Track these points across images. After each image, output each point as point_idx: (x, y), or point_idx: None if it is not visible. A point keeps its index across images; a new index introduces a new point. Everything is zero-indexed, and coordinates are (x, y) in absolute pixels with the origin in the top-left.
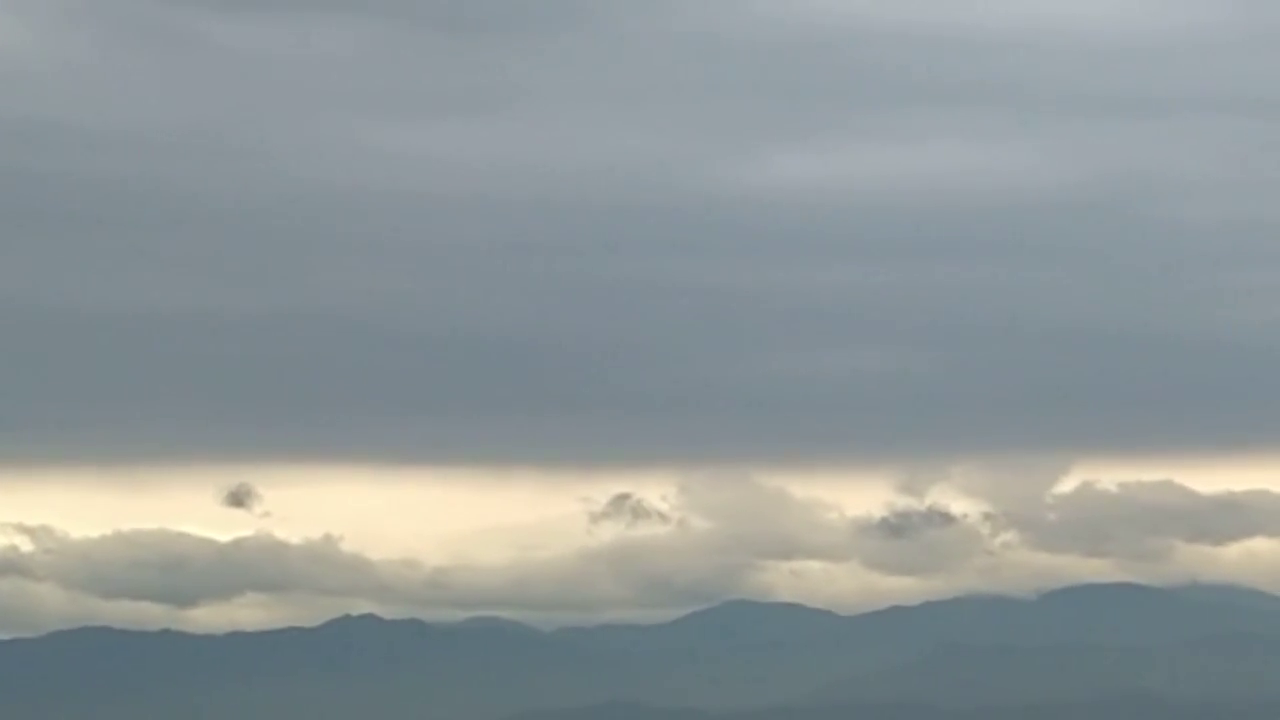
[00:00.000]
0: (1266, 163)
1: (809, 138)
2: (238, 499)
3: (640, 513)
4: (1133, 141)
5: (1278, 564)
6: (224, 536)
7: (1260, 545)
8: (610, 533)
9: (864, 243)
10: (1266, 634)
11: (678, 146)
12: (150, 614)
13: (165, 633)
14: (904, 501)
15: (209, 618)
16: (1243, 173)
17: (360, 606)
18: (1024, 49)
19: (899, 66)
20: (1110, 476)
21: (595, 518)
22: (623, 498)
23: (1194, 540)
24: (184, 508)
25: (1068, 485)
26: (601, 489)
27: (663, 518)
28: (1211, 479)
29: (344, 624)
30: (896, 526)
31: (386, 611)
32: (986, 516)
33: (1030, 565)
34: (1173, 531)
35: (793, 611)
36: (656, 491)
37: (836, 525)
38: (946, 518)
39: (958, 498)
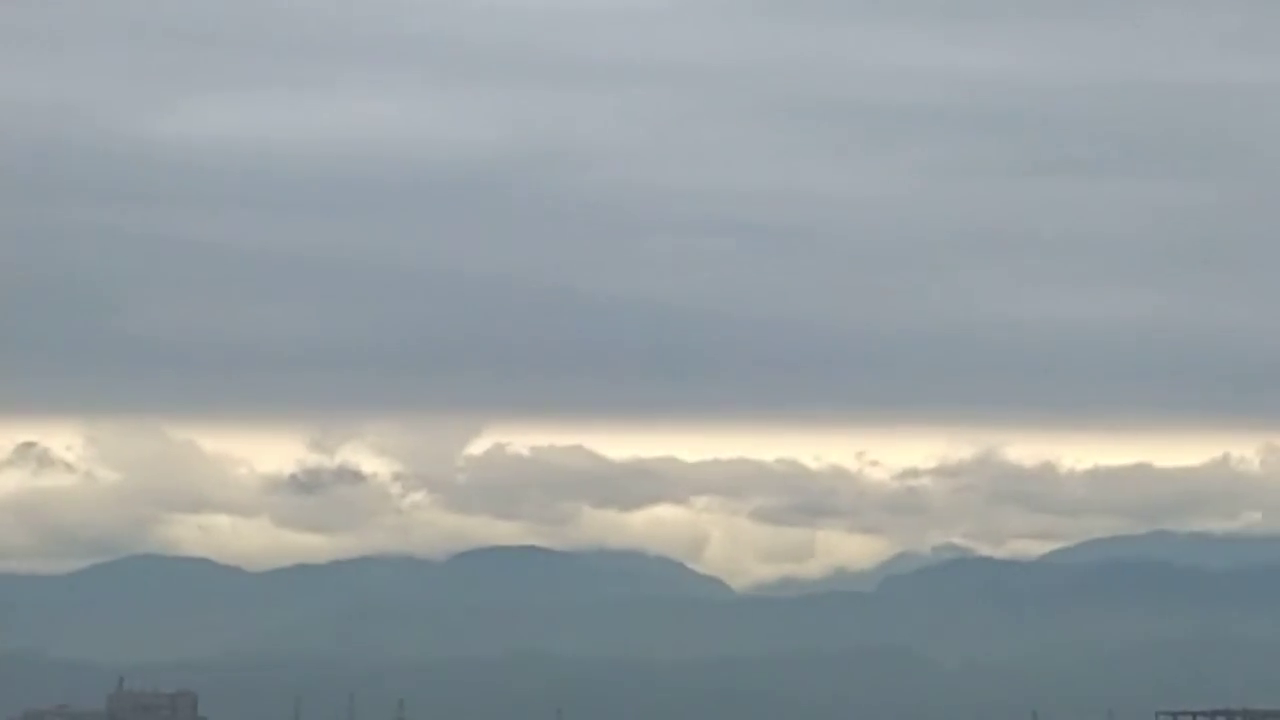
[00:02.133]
0: (689, 130)
1: (228, 87)
2: None
3: (45, 462)
4: (552, 106)
5: (683, 530)
6: None
7: (666, 512)
8: (13, 482)
9: (274, 194)
10: (670, 598)
11: (98, 92)
12: None
13: None
14: (315, 459)
15: None
16: (663, 139)
17: None
18: (446, 9)
19: (322, 19)
20: (522, 440)
21: None
22: (28, 446)
23: (602, 505)
24: None
25: (479, 447)
26: (6, 436)
27: (69, 468)
28: (621, 445)
29: None
30: (306, 484)
31: None
32: (397, 476)
33: (440, 526)
34: (582, 496)
35: (200, 567)
36: (63, 441)
37: (246, 481)
38: (357, 476)
39: (369, 456)
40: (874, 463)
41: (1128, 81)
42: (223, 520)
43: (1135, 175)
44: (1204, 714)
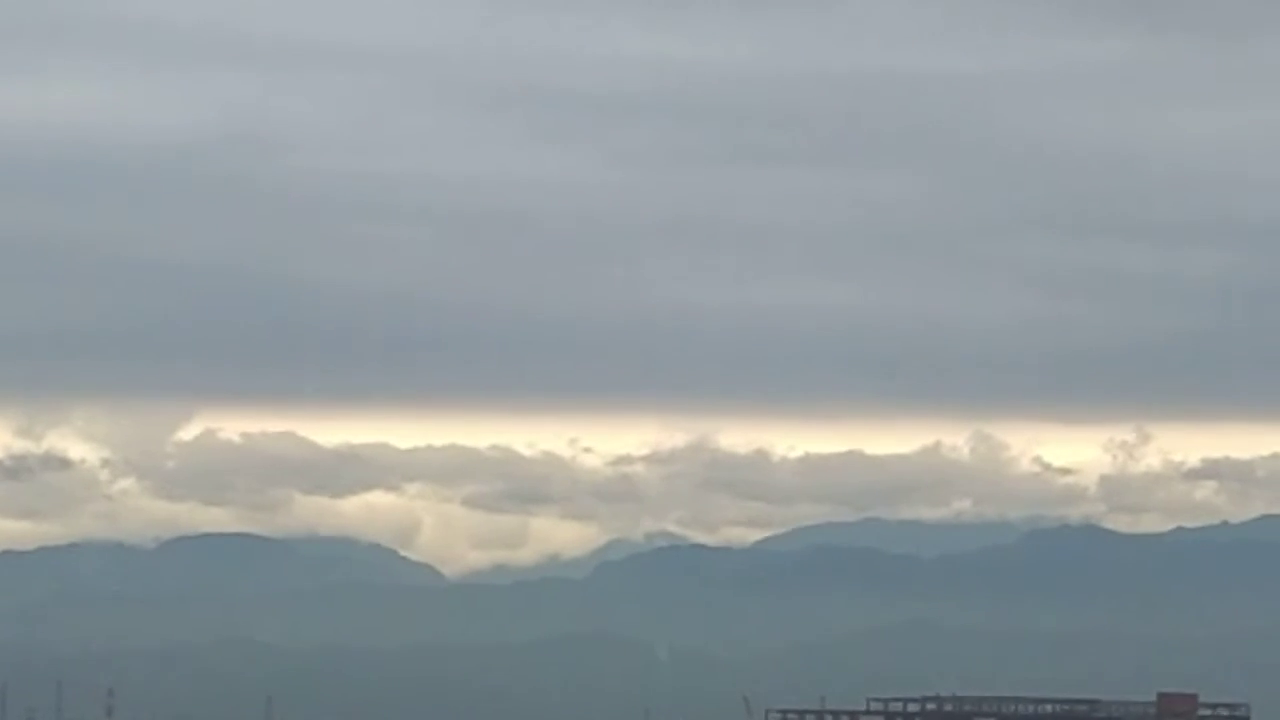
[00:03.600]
0: (393, 115)
1: None
2: None
3: None
4: (254, 90)
5: (394, 517)
6: None
7: (378, 498)
8: None
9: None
10: (381, 583)
11: None
12: None
13: None
14: (21, 444)
15: None
16: (365, 126)
17: None
18: None
19: (25, 2)
20: (233, 426)
21: None
22: None
23: (313, 492)
24: None
25: (189, 433)
26: None
27: None
28: (333, 431)
29: None
30: (12, 469)
31: None
32: (105, 462)
33: (149, 513)
34: (293, 482)
35: None
36: None
37: None
38: (64, 462)
39: (77, 442)
40: (587, 449)
41: (828, 72)
42: None
43: (845, 164)
44: (914, 700)
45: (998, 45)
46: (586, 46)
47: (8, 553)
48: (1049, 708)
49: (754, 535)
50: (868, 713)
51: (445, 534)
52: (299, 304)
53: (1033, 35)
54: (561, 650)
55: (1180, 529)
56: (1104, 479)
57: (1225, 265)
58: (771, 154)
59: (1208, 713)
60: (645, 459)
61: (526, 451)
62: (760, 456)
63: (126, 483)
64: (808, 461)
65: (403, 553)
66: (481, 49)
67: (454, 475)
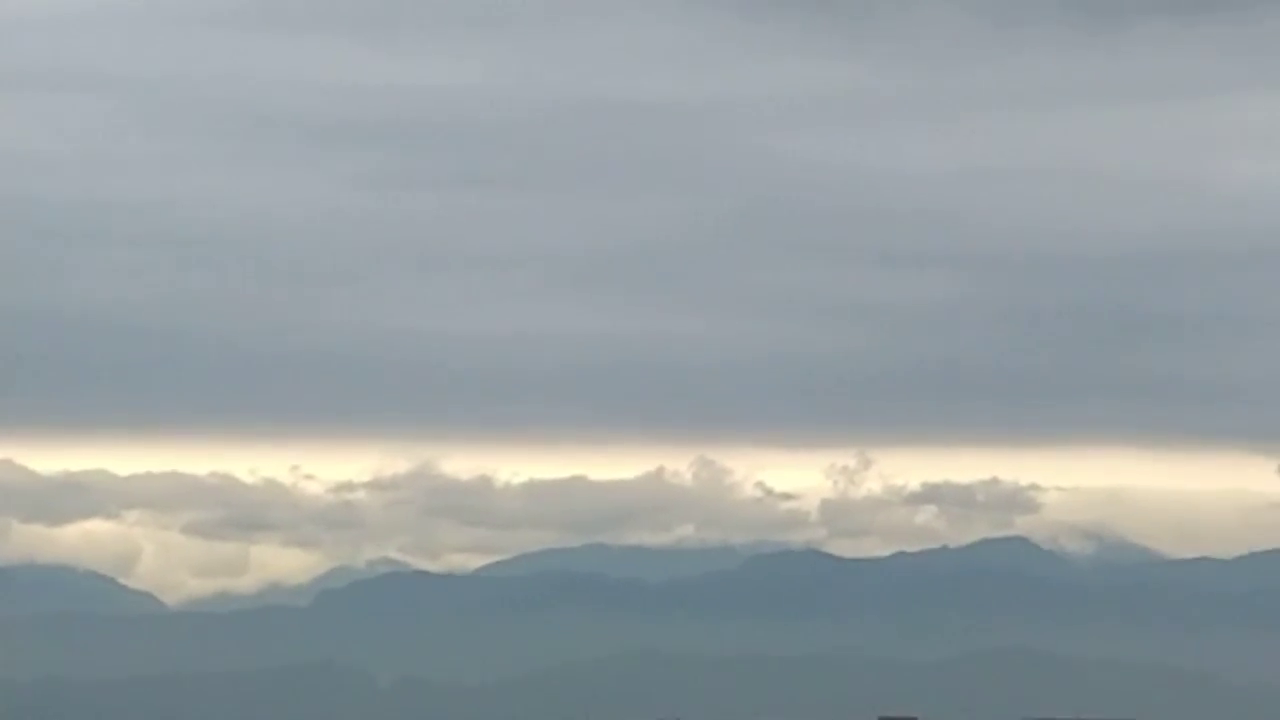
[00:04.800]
0: (114, 141)
1: None
2: None
3: None
4: None
5: (114, 545)
6: None
7: (97, 526)
8: None
9: None
10: (101, 614)
11: None
12: None
13: None
14: None
15: None
16: (91, 151)
17: None
18: None
19: None
20: None
21: None
22: None
23: (30, 520)
24: None
25: None
26: None
27: None
28: (50, 458)
29: None
30: None
31: None
32: None
33: None
34: (9, 510)
35: None
36: None
37: None
38: None
39: None
40: (309, 476)
41: (561, 97)
42: None
43: (573, 191)
44: None
45: (735, 72)
46: (314, 71)
47: None
48: None
49: (477, 561)
50: None
51: (165, 561)
52: (12, 329)
53: (772, 62)
54: (284, 679)
55: (901, 553)
56: (825, 504)
57: (947, 291)
58: (499, 180)
59: None
60: (367, 485)
61: (247, 478)
62: (483, 483)
63: None
64: (531, 488)
65: (122, 581)
66: (206, 73)
67: (174, 502)
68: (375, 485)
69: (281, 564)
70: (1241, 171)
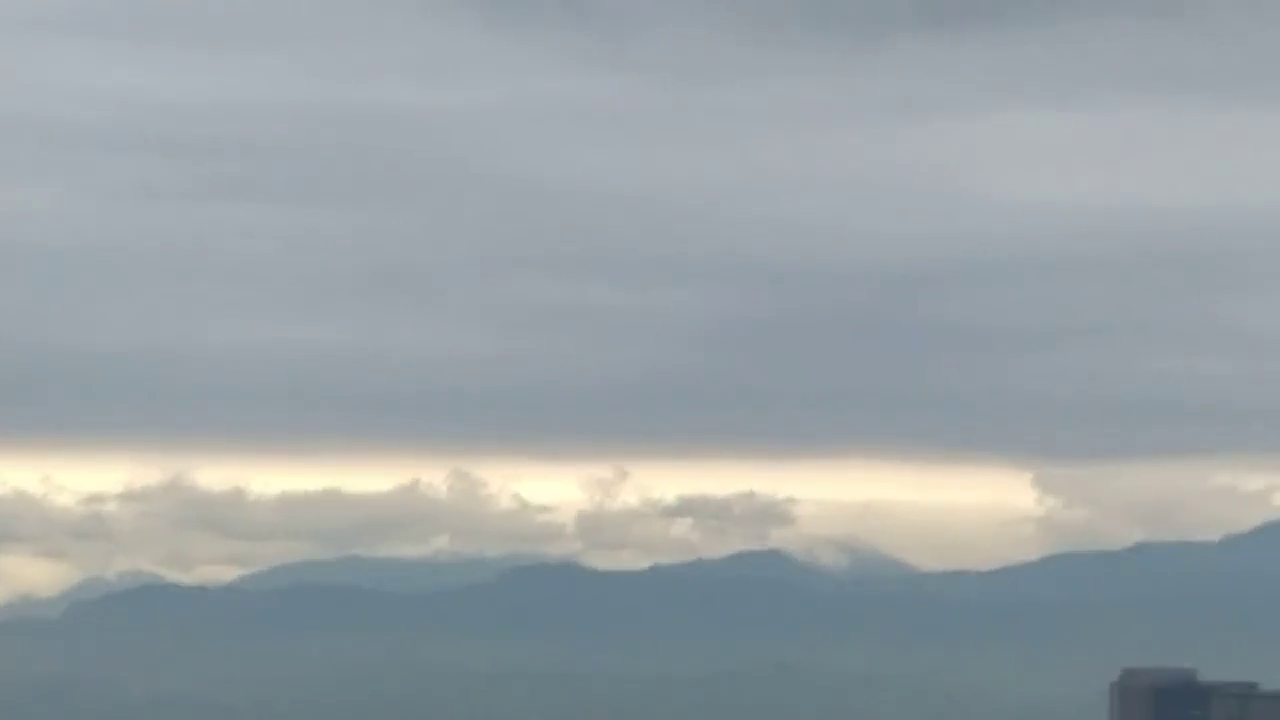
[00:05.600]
0: None
1: None
2: None
3: None
4: None
5: None
6: None
7: None
8: None
9: None
10: None
11: None
12: None
13: None
14: None
15: None
16: None
17: None
18: None
19: None
20: None
21: None
22: None
23: None
24: None
25: None
26: None
27: None
28: None
29: None
30: None
31: None
32: None
33: None
34: None
35: None
36: None
37: None
38: None
39: None
40: (60, 487)
41: (304, 106)
42: None
43: (320, 201)
44: None
45: (466, 80)
46: (62, 77)
47: None
48: None
49: (231, 574)
50: None
51: None
52: None
53: (503, 71)
54: (33, 692)
55: (657, 566)
56: (581, 516)
57: (702, 303)
58: (246, 189)
59: None
60: (119, 497)
61: None
62: (236, 495)
63: None
64: (285, 500)
65: None
66: None
67: None
68: (127, 496)
69: (31, 576)
70: (1001, 187)
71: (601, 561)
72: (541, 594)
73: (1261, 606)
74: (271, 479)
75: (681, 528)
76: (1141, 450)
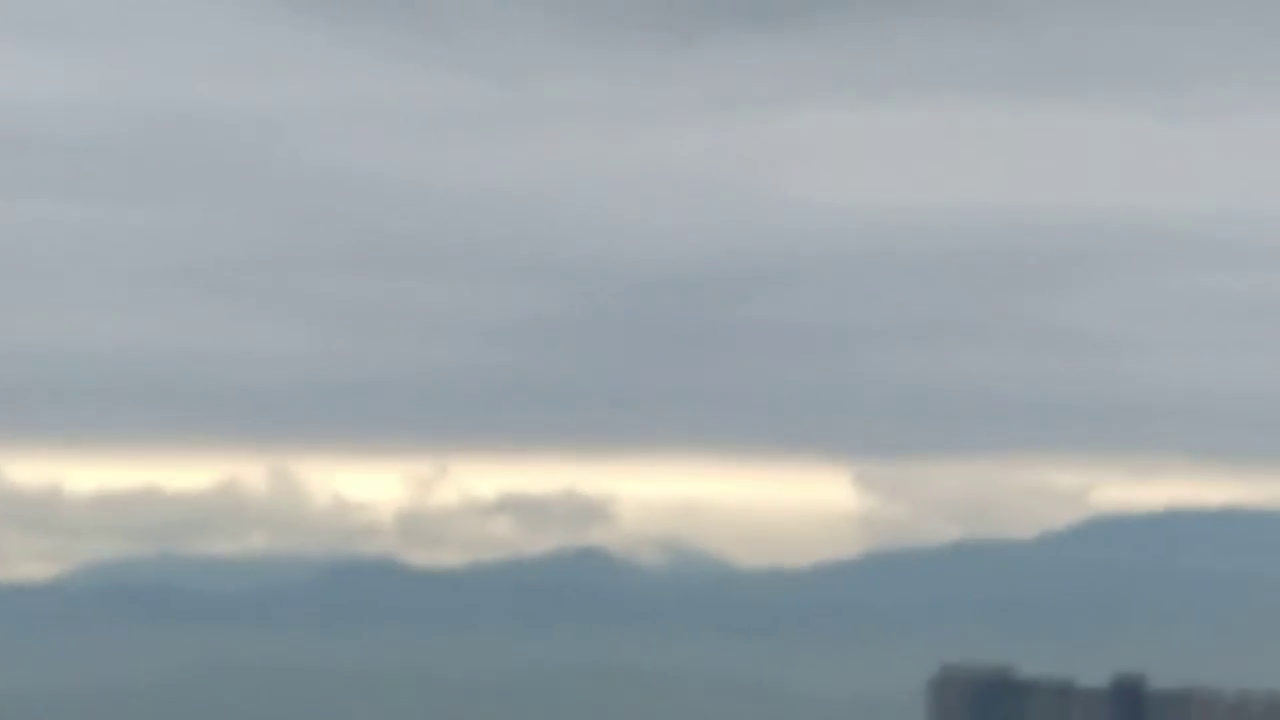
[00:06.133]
0: None
1: None
2: None
3: None
4: None
5: None
6: None
7: None
8: None
9: None
10: None
11: None
12: None
13: None
14: None
15: None
16: None
17: None
18: None
19: None
20: None
21: None
22: None
23: None
24: None
25: None
26: None
27: None
28: None
29: None
30: None
31: None
32: None
33: None
34: None
35: None
36: None
37: None
38: None
39: None
40: None
41: (119, 103)
42: None
43: (135, 198)
44: None
45: (287, 77)
46: None
47: None
48: None
49: (45, 571)
50: None
51: None
52: None
53: (327, 68)
54: None
55: (476, 563)
56: (401, 513)
57: (523, 300)
58: (68, 190)
59: None
60: None
61: None
62: (51, 491)
63: None
64: (101, 496)
65: None
66: None
67: None
68: None
69: None
70: (813, 185)
71: (420, 559)
72: (359, 592)
73: (1077, 603)
74: (88, 474)
75: (501, 525)
76: (960, 448)
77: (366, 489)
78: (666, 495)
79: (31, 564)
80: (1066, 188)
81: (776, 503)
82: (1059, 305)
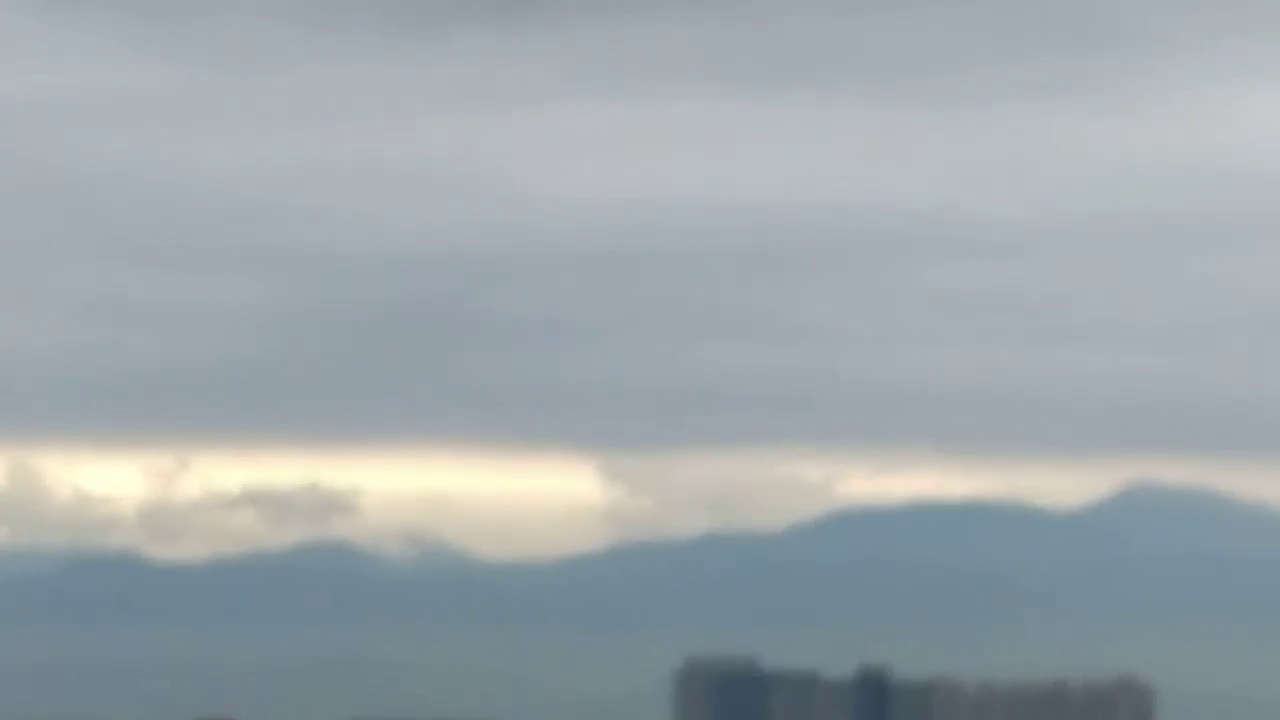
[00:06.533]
0: None
1: None
2: None
3: None
4: None
5: None
6: None
7: None
8: None
9: None
10: None
11: None
12: None
13: None
14: None
15: None
16: None
17: None
18: None
19: None
20: None
21: None
22: None
23: None
24: None
25: None
26: None
27: None
28: None
29: None
30: None
31: None
32: None
33: None
34: None
35: None
36: None
37: None
38: None
39: None
40: None
41: None
42: None
43: None
44: None
45: (13, 67)
46: None
47: None
48: None
49: None
50: None
51: None
52: None
53: (54, 57)
54: None
55: (219, 557)
56: (143, 506)
57: (258, 292)
58: None
59: None
60: None
61: None
62: None
63: None
64: None
65: None
66: None
67: None
68: None
69: None
70: (557, 179)
71: (162, 552)
72: (100, 585)
73: (823, 596)
74: None
75: (244, 518)
76: (706, 439)
77: (107, 482)
78: (411, 488)
79: None
80: (814, 181)
81: (522, 496)
82: (802, 299)
